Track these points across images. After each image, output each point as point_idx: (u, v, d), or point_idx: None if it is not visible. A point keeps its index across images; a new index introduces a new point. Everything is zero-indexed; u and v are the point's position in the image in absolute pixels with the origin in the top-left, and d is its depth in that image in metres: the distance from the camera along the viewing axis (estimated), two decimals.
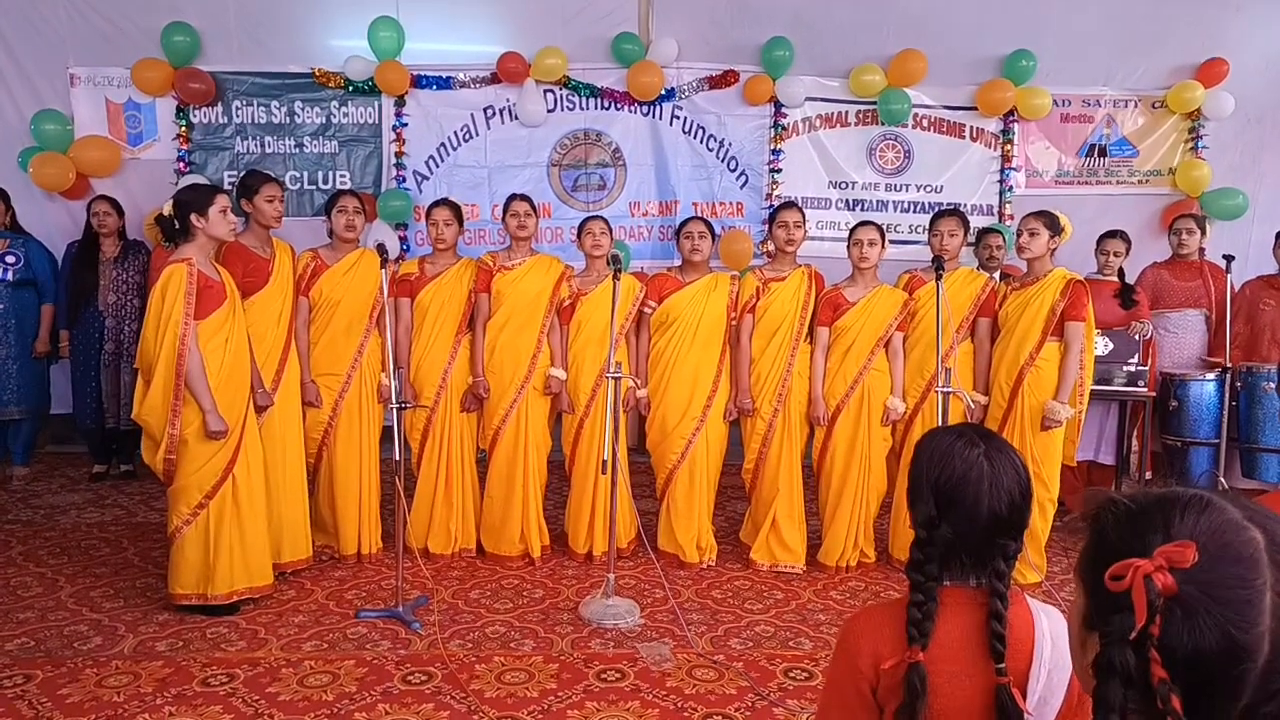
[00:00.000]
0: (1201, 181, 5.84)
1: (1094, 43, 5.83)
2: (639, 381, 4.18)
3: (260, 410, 3.70)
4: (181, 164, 5.71)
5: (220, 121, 5.76)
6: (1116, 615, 0.73)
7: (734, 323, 4.20)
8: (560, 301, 4.20)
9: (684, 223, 4.35)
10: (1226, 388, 4.43)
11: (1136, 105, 5.98)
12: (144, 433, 3.41)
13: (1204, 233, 5.02)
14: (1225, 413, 4.42)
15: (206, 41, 5.63)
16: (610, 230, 4.30)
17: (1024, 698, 1.32)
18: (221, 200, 3.46)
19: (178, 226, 3.45)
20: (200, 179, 5.33)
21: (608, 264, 3.92)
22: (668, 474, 4.19)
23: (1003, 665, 1.31)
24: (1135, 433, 4.85)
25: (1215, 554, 0.73)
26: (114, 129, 5.70)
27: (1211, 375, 4.54)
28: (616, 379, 3.66)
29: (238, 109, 5.75)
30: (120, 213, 5.29)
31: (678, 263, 4.41)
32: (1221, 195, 5.80)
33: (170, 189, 5.16)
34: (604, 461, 3.59)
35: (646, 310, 4.22)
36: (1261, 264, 5.07)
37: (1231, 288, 4.66)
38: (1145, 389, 4.51)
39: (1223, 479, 4.40)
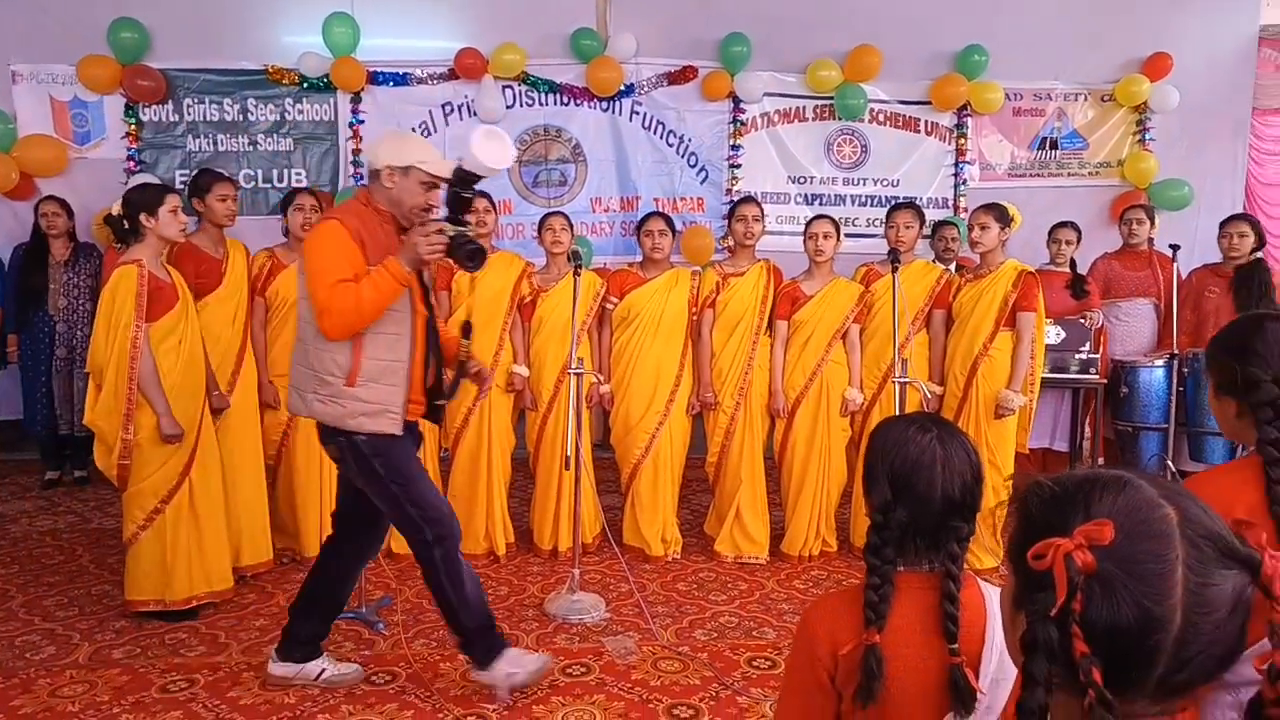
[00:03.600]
0: (1149, 173, 5.97)
1: (1044, 37, 5.93)
2: (601, 377, 4.18)
3: (216, 413, 3.65)
4: (131, 163, 5.59)
5: (171, 119, 5.65)
6: (1040, 593, 0.75)
7: (695, 318, 4.23)
8: (522, 298, 4.19)
9: (644, 219, 4.35)
10: (1174, 374, 4.55)
11: (1086, 98, 6.09)
12: (96, 437, 3.34)
13: (1153, 223, 5.13)
14: (1173, 398, 4.54)
15: (156, 38, 5.51)
16: (571, 226, 4.29)
17: (976, 678, 1.35)
18: (172, 200, 3.39)
19: (127, 227, 3.38)
20: (151, 178, 5.19)
21: (568, 260, 3.92)
22: (632, 468, 4.20)
23: (955, 645, 1.34)
24: (1088, 419, 4.96)
25: (1131, 531, 0.75)
26: (59, 127, 5.56)
27: (1160, 362, 4.65)
28: (579, 375, 3.67)
29: (189, 106, 5.64)
30: (70, 213, 5.16)
31: (639, 258, 4.42)
32: (1168, 186, 5.94)
33: (120, 188, 5.01)
34: (567, 457, 3.60)
35: (608, 306, 4.23)
36: (1207, 253, 5.18)
37: (1178, 276, 4.78)
38: (1097, 376, 4.61)
39: (1171, 463, 4.52)
